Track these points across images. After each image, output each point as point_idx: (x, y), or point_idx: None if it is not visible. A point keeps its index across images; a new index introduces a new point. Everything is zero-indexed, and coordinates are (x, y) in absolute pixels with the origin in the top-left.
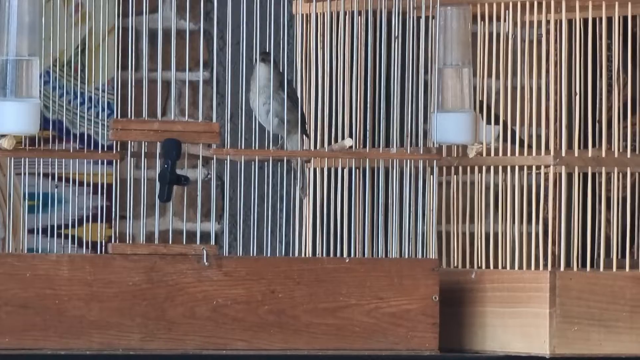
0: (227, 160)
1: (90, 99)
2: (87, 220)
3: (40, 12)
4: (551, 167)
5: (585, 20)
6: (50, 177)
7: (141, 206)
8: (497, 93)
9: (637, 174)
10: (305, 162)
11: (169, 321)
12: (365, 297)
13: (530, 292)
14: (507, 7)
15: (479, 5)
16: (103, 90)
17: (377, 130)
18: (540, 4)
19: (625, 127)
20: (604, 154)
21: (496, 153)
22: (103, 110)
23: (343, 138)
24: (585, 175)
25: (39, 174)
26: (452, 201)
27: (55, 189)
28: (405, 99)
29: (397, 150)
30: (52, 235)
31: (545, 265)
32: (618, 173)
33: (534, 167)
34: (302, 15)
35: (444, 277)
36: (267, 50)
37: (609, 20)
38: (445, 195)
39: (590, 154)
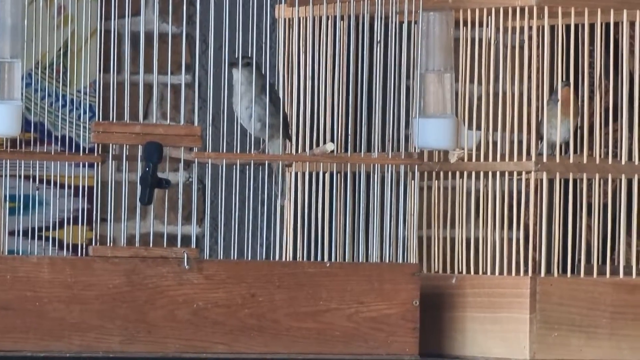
0: (208, 163)
1: (72, 101)
2: (68, 223)
3: (22, 14)
4: (532, 172)
5: (568, 27)
6: (31, 179)
7: (122, 209)
8: (479, 98)
9: (618, 181)
10: (287, 166)
11: (150, 324)
12: (345, 301)
13: (510, 297)
14: (489, 13)
15: (461, 11)
16: (85, 93)
17: (358, 134)
18: (522, 10)
19: (606, 134)
20: (585, 160)
21: (477, 159)
22: (85, 112)
23: (325, 142)
24: (566, 181)
25: (20, 176)
26: (433, 206)
27: (37, 191)
28: (387, 104)
29: (379, 155)
30: (32, 238)
31: (526, 271)
32: (599, 179)
33: (515, 173)
34: (285, 19)
35: (425, 282)
36: (250, 54)
37: (592, 27)
38: (426, 200)
39: (571, 160)
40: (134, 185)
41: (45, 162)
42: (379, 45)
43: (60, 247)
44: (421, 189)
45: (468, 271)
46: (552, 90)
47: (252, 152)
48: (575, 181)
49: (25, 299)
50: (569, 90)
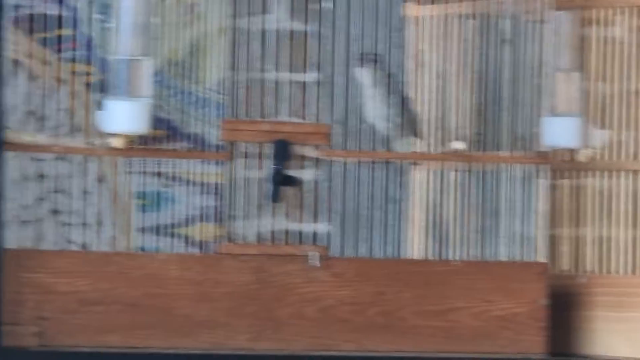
0: (336, 161)
1: (201, 99)
2: (197, 220)
3: (153, 12)
4: None
5: None
6: (161, 177)
7: (251, 206)
8: (609, 97)
9: None
10: (415, 165)
11: (277, 321)
12: (473, 300)
13: (639, 297)
14: (621, 12)
15: (593, 10)
16: (214, 91)
17: (487, 133)
18: None
19: None
20: None
21: (607, 157)
22: (214, 110)
23: (454, 141)
24: None
25: (149, 173)
26: (562, 205)
27: (166, 188)
28: (516, 103)
29: (508, 154)
30: (162, 235)
31: None
32: None
33: None
34: (413, 17)
35: (553, 281)
36: (378, 53)
37: None
38: (555, 199)
39: None
40: (262, 183)
41: (174, 159)
42: (508, 43)
43: (189, 244)
44: (550, 188)
45: (597, 270)
46: None
47: (381, 150)
48: None
49: (153, 296)
50: None
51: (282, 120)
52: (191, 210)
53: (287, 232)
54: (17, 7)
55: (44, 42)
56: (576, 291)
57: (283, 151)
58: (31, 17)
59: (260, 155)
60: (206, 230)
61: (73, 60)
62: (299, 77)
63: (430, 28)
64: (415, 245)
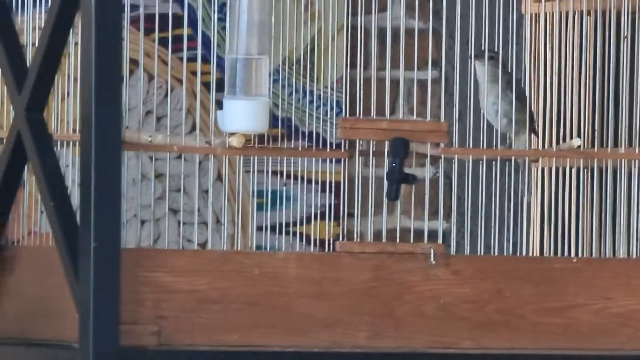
0: (455, 159)
1: (319, 97)
2: (315, 218)
3: (270, 11)
4: None
5: None
6: (279, 175)
7: (369, 204)
8: None
9: None
10: (533, 162)
11: (397, 319)
12: (592, 297)
13: None
14: None
15: None
16: (332, 89)
17: (605, 130)
18: None
19: None
20: None
21: None
22: (332, 108)
23: (571, 138)
24: None
25: (267, 172)
26: None
27: (284, 187)
28: (634, 99)
29: (626, 150)
30: (280, 233)
31: None
32: None
33: None
34: (531, 14)
35: None
36: (496, 49)
37: None
38: None
39: None
40: (380, 181)
41: (292, 157)
42: (625, 40)
43: (308, 242)
44: None
45: None
46: None
47: (499, 147)
48: None
49: (272, 294)
50: None
51: (400, 118)
52: (310, 208)
53: (405, 229)
54: (135, 6)
55: (163, 42)
56: None
57: (400, 149)
58: (150, 17)
59: (378, 153)
60: (324, 229)
61: (192, 59)
62: (417, 74)
63: (548, 25)
64: (534, 242)
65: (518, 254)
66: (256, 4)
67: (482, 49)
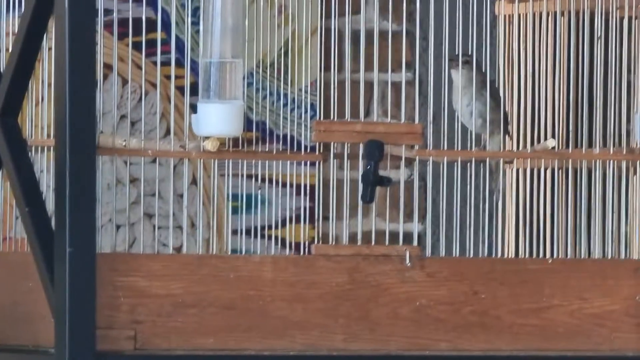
0: (429, 161)
1: (293, 100)
2: (291, 221)
3: (243, 14)
4: None
5: None
6: (253, 179)
7: (344, 207)
8: None
9: None
10: (508, 163)
11: (372, 322)
12: (568, 297)
13: None
14: None
15: None
16: (306, 92)
17: (579, 130)
18: None
19: None
20: None
21: None
22: (306, 111)
23: (546, 139)
24: None
25: (242, 175)
26: None
27: (259, 190)
28: (608, 100)
29: (600, 151)
30: (255, 237)
31: None
32: None
33: None
34: (505, 15)
35: None
36: (470, 51)
37: None
38: None
39: None
40: (355, 184)
41: (267, 161)
42: (599, 40)
43: (283, 245)
44: None
45: None
46: None
47: (473, 149)
48: None
49: (248, 298)
50: None
51: (375, 121)
52: (285, 211)
53: (380, 232)
54: (108, 11)
55: (137, 46)
56: None
57: (375, 151)
58: (123, 21)
59: (352, 156)
60: (299, 232)
61: (166, 63)
62: (391, 77)
63: (522, 26)
64: (509, 243)
65: (493, 255)
66: (229, 7)
67: (456, 53)
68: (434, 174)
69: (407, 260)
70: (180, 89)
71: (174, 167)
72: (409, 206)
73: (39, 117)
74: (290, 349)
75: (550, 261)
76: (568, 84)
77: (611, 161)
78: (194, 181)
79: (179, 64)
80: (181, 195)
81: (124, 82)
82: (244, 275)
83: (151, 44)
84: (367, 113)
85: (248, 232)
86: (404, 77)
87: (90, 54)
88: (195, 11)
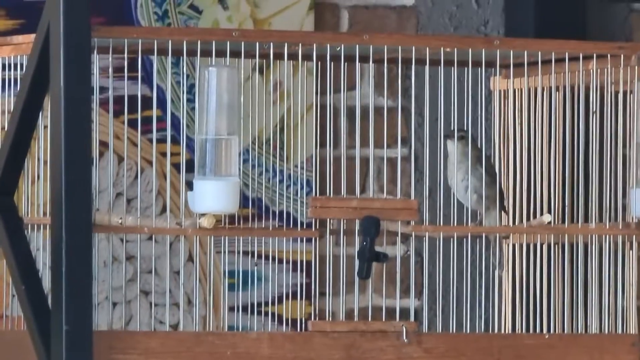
0: (426, 236)
1: (289, 176)
2: (287, 298)
3: (239, 91)
4: None
5: None
6: (250, 255)
7: (341, 283)
8: None
9: None
10: (504, 238)
11: None
12: None
13: None
14: None
15: None
16: (302, 168)
17: (575, 205)
18: None
19: None
20: None
21: None
22: (302, 187)
23: (542, 214)
24: None
25: (239, 252)
26: None
27: (255, 267)
28: (604, 174)
29: (596, 226)
30: (252, 313)
31: None
32: None
33: None
34: (500, 91)
35: None
36: (465, 126)
37: None
38: None
39: None
40: (351, 260)
41: (263, 237)
42: (594, 115)
43: (280, 322)
44: (639, 259)
45: None
46: None
47: (469, 224)
48: None
49: None
50: None
51: (371, 197)
52: (281, 288)
53: (377, 308)
54: (104, 88)
55: (132, 124)
56: None
57: (371, 227)
58: (119, 99)
59: (349, 232)
60: (296, 308)
61: (161, 140)
62: (387, 152)
63: (517, 101)
64: (506, 318)
65: (490, 330)
66: (225, 84)
67: (452, 128)
68: (430, 249)
69: (404, 336)
70: (176, 166)
71: (170, 244)
72: (405, 282)
73: (35, 195)
74: None
75: (547, 336)
76: (564, 158)
77: (608, 236)
78: (190, 258)
79: (175, 141)
80: (178, 272)
81: (120, 159)
82: (241, 352)
83: (147, 121)
84: (363, 189)
85: (245, 308)
86: (399, 153)
87: (86, 131)
88: (191, 88)
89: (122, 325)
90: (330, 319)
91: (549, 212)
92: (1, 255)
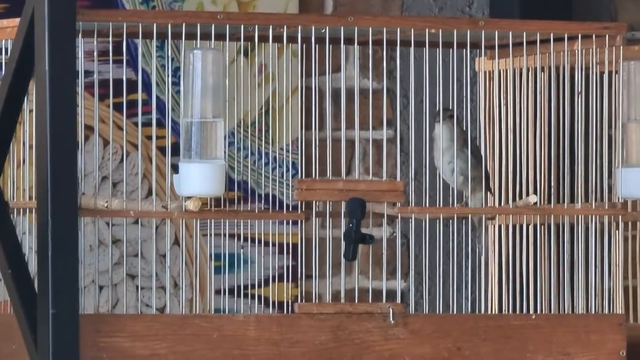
0: (411, 218)
1: (275, 159)
2: (274, 280)
3: (224, 74)
4: None
5: None
6: (236, 238)
7: (327, 265)
8: None
9: None
10: (490, 219)
11: None
12: (552, 353)
13: None
14: None
15: None
16: (287, 150)
17: (561, 186)
18: None
19: None
20: None
21: None
22: (288, 170)
23: (527, 194)
24: None
25: (224, 235)
26: (638, 256)
27: (242, 250)
28: (589, 155)
29: (582, 206)
30: (238, 296)
31: None
32: None
33: None
34: (485, 72)
35: (631, 332)
36: (451, 108)
37: None
38: (631, 250)
39: None
40: (338, 242)
41: (249, 220)
42: (580, 96)
43: (266, 304)
44: (625, 239)
45: None
46: None
47: (455, 205)
48: None
49: (232, 357)
50: None
51: (356, 179)
52: (267, 270)
53: (363, 289)
54: (89, 72)
55: (118, 107)
56: None
57: (357, 209)
58: (104, 82)
59: (335, 214)
60: (283, 290)
61: (147, 124)
62: (372, 134)
63: (502, 82)
64: (492, 299)
65: (477, 311)
66: (210, 67)
67: (438, 109)
68: (416, 231)
69: (391, 318)
70: (161, 150)
71: (156, 227)
72: (391, 263)
73: (20, 180)
74: None
75: (533, 317)
76: (549, 139)
77: (593, 216)
78: (176, 241)
79: (160, 124)
80: (164, 256)
81: (105, 143)
82: (227, 335)
83: (132, 104)
84: (349, 171)
85: (231, 291)
86: (385, 135)
87: (71, 115)
88: (176, 71)
89: (109, 308)
90: (317, 301)
91: (535, 192)
92: None
